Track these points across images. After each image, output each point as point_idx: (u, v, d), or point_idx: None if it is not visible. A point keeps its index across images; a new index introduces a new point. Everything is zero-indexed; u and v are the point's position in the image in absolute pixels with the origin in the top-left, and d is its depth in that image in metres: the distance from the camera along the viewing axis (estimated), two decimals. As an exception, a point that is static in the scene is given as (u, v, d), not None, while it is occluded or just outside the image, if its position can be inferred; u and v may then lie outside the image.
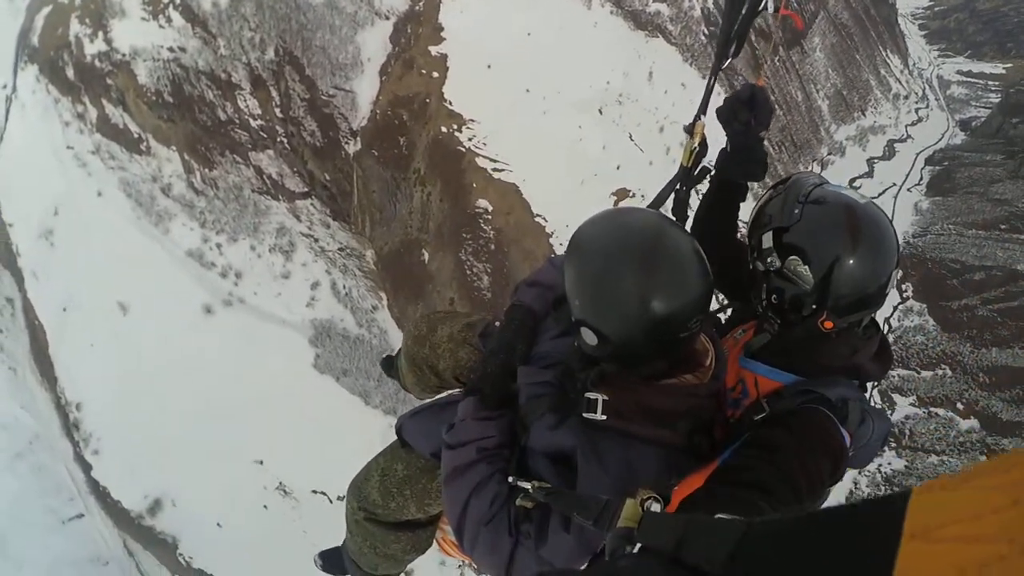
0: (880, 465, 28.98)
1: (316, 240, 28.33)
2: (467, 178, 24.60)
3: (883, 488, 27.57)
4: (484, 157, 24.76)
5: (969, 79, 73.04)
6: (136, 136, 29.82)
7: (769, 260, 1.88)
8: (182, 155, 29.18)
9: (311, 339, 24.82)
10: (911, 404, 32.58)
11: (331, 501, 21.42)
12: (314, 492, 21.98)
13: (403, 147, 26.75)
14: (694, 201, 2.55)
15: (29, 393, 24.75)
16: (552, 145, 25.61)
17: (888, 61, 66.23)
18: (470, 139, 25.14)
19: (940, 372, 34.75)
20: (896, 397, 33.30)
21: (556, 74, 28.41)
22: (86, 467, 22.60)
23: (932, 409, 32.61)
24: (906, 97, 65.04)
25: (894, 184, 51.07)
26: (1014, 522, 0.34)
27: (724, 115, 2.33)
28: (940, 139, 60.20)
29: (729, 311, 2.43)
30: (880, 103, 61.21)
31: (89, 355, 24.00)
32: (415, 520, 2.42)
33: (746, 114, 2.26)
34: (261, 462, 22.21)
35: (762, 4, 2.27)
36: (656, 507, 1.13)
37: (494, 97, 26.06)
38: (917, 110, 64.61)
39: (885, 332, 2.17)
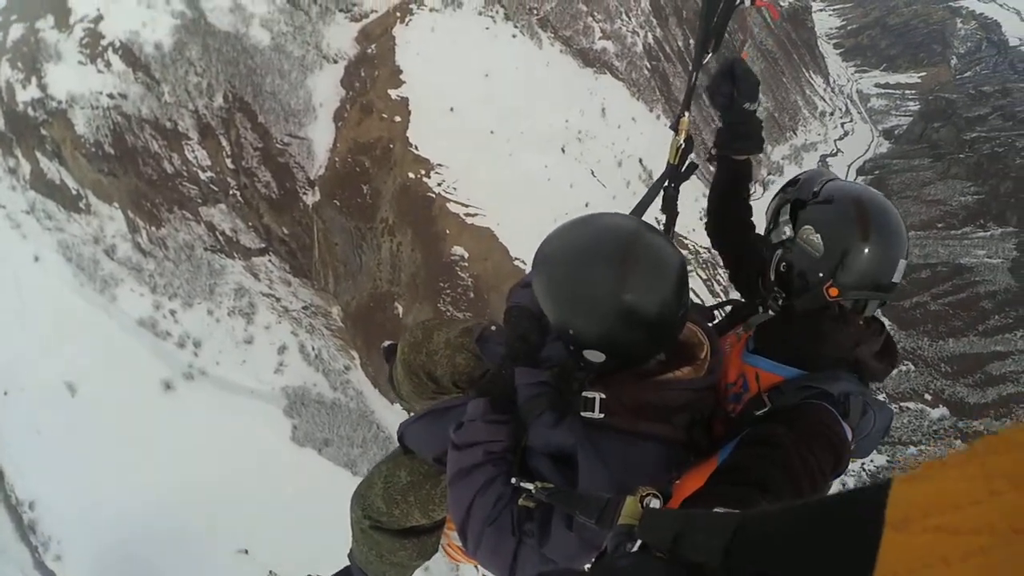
0: (863, 463, 30.53)
1: (278, 299, 26.79)
2: (439, 225, 23.85)
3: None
4: (455, 202, 24.10)
5: (887, 90, 77.59)
6: (74, 192, 27.60)
7: (784, 230, 1.92)
8: (126, 212, 27.13)
9: (285, 409, 23.21)
10: (882, 401, 34.17)
11: (328, 584, 19.73)
12: (308, 577, 20.19)
13: (367, 196, 25.72)
14: (685, 199, 2.59)
15: (-31, 490, 22.23)
16: (522, 186, 25.25)
17: (811, 81, 69.71)
18: (439, 184, 24.42)
19: (904, 368, 37.22)
20: (867, 396, 36.04)
21: (517, 114, 28.22)
22: (48, 575, 20.29)
23: (903, 404, 34.62)
24: (831, 113, 68.53)
25: (832, 197, 53.89)
26: (993, 512, 0.34)
27: (708, 91, 2.33)
28: (867, 150, 63.69)
29: (728, 308, 2.39)
30: (809, 121, 64.35)
31: (37, 444, 21.63)
32: (420, 526, 2.41)
33: (728, 87, 2.26)
34: (246, 551, 20.30)
35: None
36: (656, 503, 1.13)
37: (459, 140, 25.54)
38: (843, 124, 68.18)
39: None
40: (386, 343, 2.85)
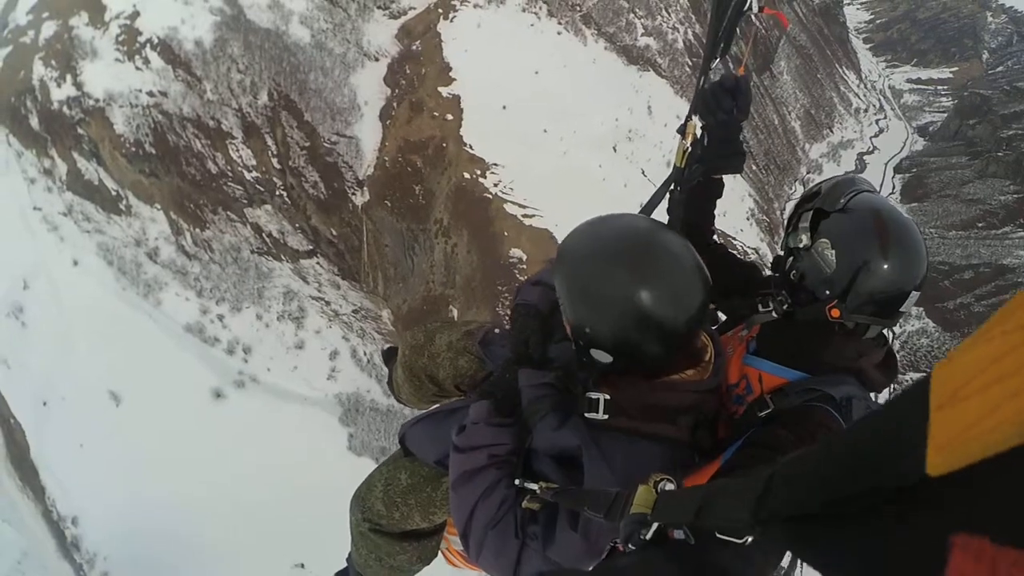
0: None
1: (328, 303, 25.94)
2: (496, 226, 22.93)
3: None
4: (513, 203, 23.16)
5: (919, 86, 76.35)
6: (114, 193, 26.77)
7: (802, 238, 1.90)
8: (168, 214, 26.35)
9: (341, 417, 22.34)
10: (929, 407, 33.73)
11: (390, 600, 18.87)
12: (369, 591, 19.30)
13: (419, 196, 24.84)
14: None
15: (9, 503, 21.43)
16: (577, 186, 24.34)
17: (845, 77, 68.68)
18: (496, 184, 23.52)
19: (950, 371, 36.28)
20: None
21: (568, 113, 27.36)
22: (94, 594, 19.47)
23: (947, 406, 33.94)
24: (865, 110, 67.51)
25: (870, 195, 53.89)
26: None
27: (709, 104, 2.25)
28: (903, 147, 62.58)
29: (732, 309, 2.37)
30: (844, 118, 63.36)
31: (79, 457, 20.80)
32: (420, 530, 2.37)
33: (730, 103, 2.22)
34: (302, 565, 19.42)
35: (747, 3, 2.22)
36: (671, 487, 1.11)
37: (513, 139, 24.70)
38: (877, 121, 67.12)
39: (891, 339, 2.06)
40: (386, 346, 2.90)
